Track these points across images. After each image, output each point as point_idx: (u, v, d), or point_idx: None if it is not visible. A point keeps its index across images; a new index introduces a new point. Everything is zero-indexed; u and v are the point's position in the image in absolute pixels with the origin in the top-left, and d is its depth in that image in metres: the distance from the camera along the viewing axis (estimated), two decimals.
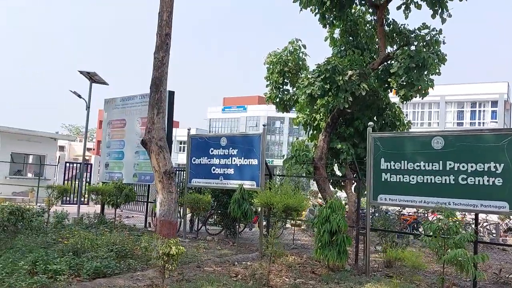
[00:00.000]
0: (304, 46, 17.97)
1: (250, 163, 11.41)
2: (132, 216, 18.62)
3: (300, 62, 17.60)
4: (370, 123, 10.02)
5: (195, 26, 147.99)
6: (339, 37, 17.42)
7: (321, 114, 15.88)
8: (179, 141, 71.29)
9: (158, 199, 9.06)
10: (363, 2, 15.66)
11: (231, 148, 11.96)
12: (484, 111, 50.53)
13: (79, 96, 16.53)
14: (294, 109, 18.53)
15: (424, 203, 8.59)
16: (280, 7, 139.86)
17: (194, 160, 12.78)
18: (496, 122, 48.46)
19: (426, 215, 16.92)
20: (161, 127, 9.25)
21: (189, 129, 13.56)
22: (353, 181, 15.53)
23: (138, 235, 11.39)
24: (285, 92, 18.09)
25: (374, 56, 16.39)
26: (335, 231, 8.89)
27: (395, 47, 15.18)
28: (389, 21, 15.06)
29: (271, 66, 17.64)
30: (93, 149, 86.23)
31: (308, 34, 34.38)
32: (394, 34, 15.04)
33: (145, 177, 13.92)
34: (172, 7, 9.44)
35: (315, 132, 16.38)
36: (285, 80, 17.67)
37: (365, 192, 9.72)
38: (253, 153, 11.35)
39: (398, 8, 14.44)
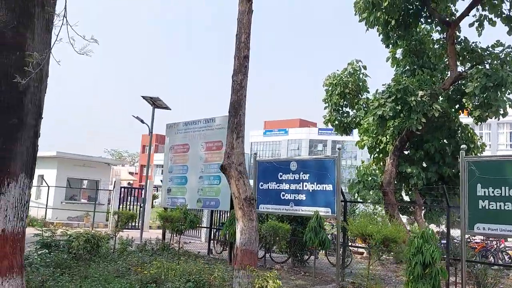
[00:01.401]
0: (365, 67, 17.53)
1: (324, 188, 10.90)
2: (190, 242, 18.29)
3: (360, 84, 17.14)
4: (463, 146, 9.39)
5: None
6: (401, 57, 16.92)
7: (387, 137, 15.26)
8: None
9: (239, 227, 8.64)
10: (429, 20, 15.14)
11: (302, 172, 11.49)
12: None
13: (142, 121, 16.52)
14: (354, 131, 18.02)
15: None
16: (323, 29, 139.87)
17: (261, 185, 12.37)
18: None
19: (494, 242, 15.83)
20: (241, 152, 8.89)
21: (255, 154, 13.20)
22: (423, 208, 14.76)
23: (208, 263, 10.98)
24: (345, 114, 17.63)
25: (442, 76, 15.76)
26: (428, 263, 8.23)
27: (466, 66, 14.50)
28: (459, 39, 14.43)
29: (330, 88, 17.24)
30: (136, 173, 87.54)
31: (361, 55, 33.91)
32: (465, 53, 14.39)
33: (210, 203, 13.58)
34: (250, 29, 9.18)
35: (381, 155, 15.74)
36: (345, 102, 17.22)
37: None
38: (327, 178, 10.84)
39: (471, 25, 13.85)
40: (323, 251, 13.55)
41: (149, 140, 16.19)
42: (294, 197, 11.59)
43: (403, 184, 14.95)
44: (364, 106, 16.79)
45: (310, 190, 11.23)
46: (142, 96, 14.95)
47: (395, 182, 14.49)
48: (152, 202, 30.09)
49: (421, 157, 14.65)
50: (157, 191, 53.91)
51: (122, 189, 23.26)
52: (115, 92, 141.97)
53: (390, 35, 15.55)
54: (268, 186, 12.22)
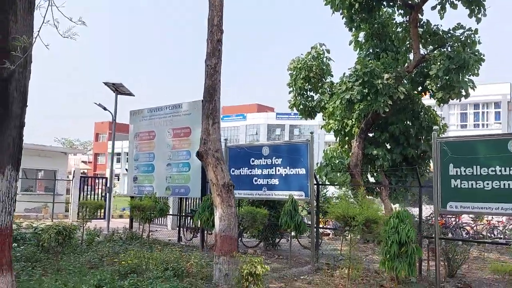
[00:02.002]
0: (328, 51, 17.63)
1: (297, 172, 10.92)
2: (156, 230, 18.03)
3: (324, 67, 17.23)
4: (436, 127, 9.57)
5: (186, 28, 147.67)
6: (363, 41, 17.09)
7: (353, 120, 15.45)
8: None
9: (217, 213, 8.54)
10: (391, 3, 15.31)
11: (274, 157, 11.47)
12: (487, 112, 50.40)
13: (105, 108, 15.98)
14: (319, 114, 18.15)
15: (502, 210, 8.13)
16: (282, 11, 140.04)
17: (233, 171, 12.23)
18: (500, 123, 48.35)
19: (452, 219, 16.37)
20: (217, 138, 8.75)
21: (226, 139, 13.05)
22: (388, 188, 15.09)
23: (181, 251, 10.83)
24: (309, 99, 17.70)
25: (404, 59, 16.05)
26: (404, 242, 8.42)
27: (428, 49, 14.81)
28: (422, 22, 14.70)
29: (294, 72, 17.25)
30: (90, 162, 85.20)
31: (322, 40, 34.06)
32: (428, 36, 14.68)
33: (180, 190, 13.36)
34: (222, 11, 8.98)
35: (346, 138, 15.94)
36: (309, 86, 17.28)
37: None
38: (300, 162, 10.86)
39: (433, 8, 14.10)
40: (293, 234, 13.72)
41: (108, 127, 15.72)
42: (267, 181, 11.57)
43: (369, 166, 15.23)
44: (329, 90, 16.92)
45: (283, 175, 11.22)
46: (104, 82, 14.45)
47: (361, 164, 14.71)
48: None
49: (386, 139, 14.94)
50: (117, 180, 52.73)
51: (82, 179, 22.59)
52: (69, 77, 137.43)
53: (353, 18, 15.64)
54: (240, 172, 12.12)
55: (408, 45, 15.79)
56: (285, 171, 11.20)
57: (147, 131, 14.44)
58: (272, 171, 11.47)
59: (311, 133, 11.20)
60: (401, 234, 8.41)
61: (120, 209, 25.95)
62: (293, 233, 13.73)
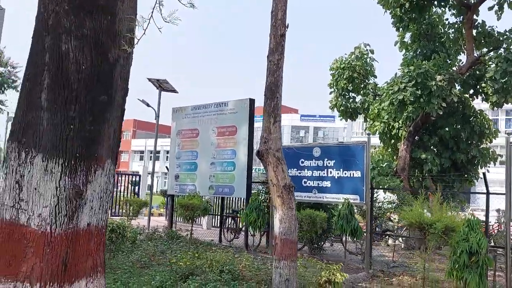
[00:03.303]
0: (372, 51, 17.21)
1: (352, 175, 10.52)
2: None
3: (368, 68, 16.80)
4: (510, 130, 9.03)
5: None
6: (409, 41, 16.63)
7: (400, 122, 14.96)
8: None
9: (277, 215, 8.16)
10: (443, 3, 14.80)
11: (326, 159, 11.08)
12: None
13: (148, 105, 15.78)
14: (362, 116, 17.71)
15: None
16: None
17: None
18: None
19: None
20: (278, 137, 8.39)
21: None
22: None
23: (229, 252, 10.52)
24: (350, 100, 17.30)
25: (454, 61, 15.53)
26: (475, 251, 7.96)
27: (482, 51, 14.25)
28: (476, 23, 14.15)
29: (337, 72, 16.86)
30: None
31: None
32: (482, 37, 14.12)
33: (224, 190, 13.06)
34: (286, 5, 8.61)
35: (392, 141, 15.46)
36: (352, 87, 16.88)
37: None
38: (355, 164, 10.45)
39: (490, 8, 13.58)
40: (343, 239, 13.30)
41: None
42: (318, 184, 11.19)
43: (416, 170, 14.72)
44: (372, 91, 16.49)
45: (336, 177, 10.83)
46: (148, 79, 14.23)
47: (409, 168, 14.23)
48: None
49: (435, 143, 14.42)
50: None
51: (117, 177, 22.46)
52: None
53: (403, 18, 15.20)
54: (288, 173, 11.74)
55: (459, 47, 15.25)
56: (338, 173, 10.80)
57: (190, 128, 14.18)
58: (324, 173, 11.09)
59: (368, 134, 10.77)
60: (471, 243, 7.97)
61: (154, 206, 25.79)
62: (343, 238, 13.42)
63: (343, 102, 17.03)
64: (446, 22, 15.40)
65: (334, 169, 10.87)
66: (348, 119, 17.81)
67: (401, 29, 16.23)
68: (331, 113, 22.25)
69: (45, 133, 3.32)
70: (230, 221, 14.48)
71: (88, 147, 3.43)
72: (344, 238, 10.77)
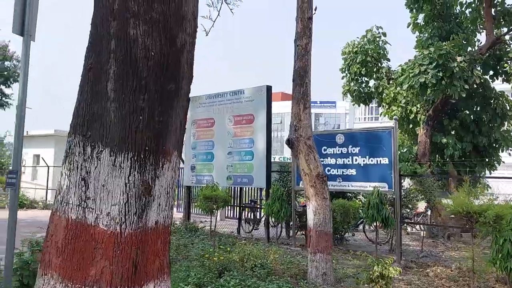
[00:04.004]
0: (385, 34, 16.85)
1: (379, 162, 10.26)
2: (205, 221, 17.56)
3: (381, 51, 16.47)
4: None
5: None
6: (423, 23, 16.32)
7: (418, 106, 14.69)
8: None
9: (311, 206, 7.95)
10: None
11: (350, 145, 10.82)
12: None
13: None
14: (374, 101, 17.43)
15: None
16: None
17: None
18: None
19: None
20: (308, 125, 8.15)
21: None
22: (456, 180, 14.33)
23: (256, 244, 10.29)
24: (363, 85, 17.00)
25: (470, 41, 15.21)
26: None
27: (503, 30, 13.94)
28: (495, 1, 13.82)
29: (349, 56, 16.54)
30: None
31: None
32: (502, 16, 13.80)
33: (242, 180, 12.81)
34: None
35: (410, 126, 15.19)
36: (366, 71, 16.55)
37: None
38: (382, 150, 10.18)
39: None
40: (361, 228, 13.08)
41: None
42: (342, 172, 10.93)
43: (437, 155, 14.47)
44: (386, 74, 16.19)
45: (361, 164, 10.58)
46: None
47: (429, 153, 13.98)
48: None
49: (456, 127, 14.15)
50: None
51: None
52: None
53: None
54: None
55: (475, 27, 14.94)
56: (363, 160, 10.55)
57: (205, 118, 13.90)
58: (348, 161, 10.84)
59: (396, 119, 10.49)
60: None
61: None
62: (360, 227, 13.20)
63: (356, 87, 16.73)
64: (463, 2, 15.05)
65: (360, 156, 10.62)
66: (362, 104, 17.50)
67: (414, 10, 15.91)
68: (331, 99, 21.98)
69: (112, 125, 3.05)
70: (248, 211, 14.25)
71: (157, 140, 3.16)
72: (374, 228, 10.52)
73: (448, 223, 13.78)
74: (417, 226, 15.23)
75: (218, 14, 2.69)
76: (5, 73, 19.25)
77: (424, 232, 14.81)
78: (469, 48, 14.90)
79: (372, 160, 10.39)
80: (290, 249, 11.02)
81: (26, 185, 21.91)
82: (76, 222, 3.12)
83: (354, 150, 10.74)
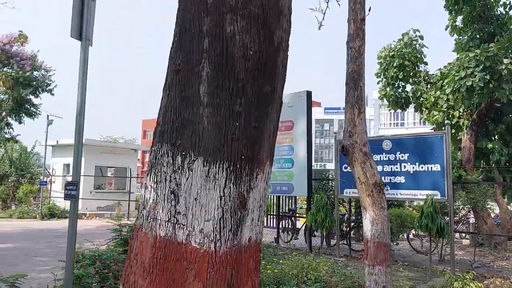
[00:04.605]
0: (422, 37, 16.39)
1: (430, 169, 9.80)
2: None
3: (418, 55, 16.00)
4: None
5: None
6: (461, 25, 15.80)
7: (460, 111, 14.16)
8: None
9: (368, 216, 7.52)
10: None
11: (398, 152, 10.39)
12: None
13: None
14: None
15: None
16: None
17: (345, 168, 11.26)
18: None
19: None
20: (364, 130, 7.72)
21: (335, 133, 12.10)
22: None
23: (297, 255, 9.90)
24: (400, 89, 16.53)
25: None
26: None
27: None
28: None
29: (385, 60, 16.11)
30: (138, 159, 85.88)
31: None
32: None
33: (282, 188, 12.48)
34: None
35: (453, 131, 14.66)
36: (403, 75, 16.08)
37: None
38: (433, 157, 9.73)
39: None
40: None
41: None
42: (390, 179, 10.49)
43: (482, 161, 13.93)
44: (424, 79, 15.72)
45: (411, 172, 10.13)
46: None
47: (474, 159, 13.45)
48: None
49: (502, 131, 13.59)
50: None
51: None
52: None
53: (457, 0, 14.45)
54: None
55: None
56: (413, 167, 10.10)
57: None
58: (397, 168, 10.40)
59: (447, 124, 10.04)
60: None
61: None
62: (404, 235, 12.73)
63: (393, 92, 16.29)
64: (507, 2, 14.51)
65: (409, 163, 10.18)
66: (399, 109, 17.01)
67: (453, 12, 15.43)
68: None
69: (206, 132, 2.74)
70: (287, 221, 13.89)
71: (252, 148, 2.85)
72: (427, 237, 10.05)
73: (494, 231, 13.25)
74: (457, 234, 14.70)
75: (327, 7, 2.34)
76: (34, 82, 19.30)
77: (469, 241, 14.28)
78: None
79: (422, 167, 9.94)
80: (336, 260, 10.62)
81: (56, 195, 21.95)
82: (165, 240, 2.82)
83: (402, 156, 10.31)
